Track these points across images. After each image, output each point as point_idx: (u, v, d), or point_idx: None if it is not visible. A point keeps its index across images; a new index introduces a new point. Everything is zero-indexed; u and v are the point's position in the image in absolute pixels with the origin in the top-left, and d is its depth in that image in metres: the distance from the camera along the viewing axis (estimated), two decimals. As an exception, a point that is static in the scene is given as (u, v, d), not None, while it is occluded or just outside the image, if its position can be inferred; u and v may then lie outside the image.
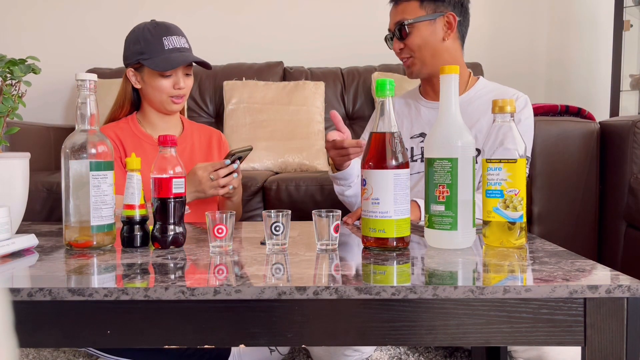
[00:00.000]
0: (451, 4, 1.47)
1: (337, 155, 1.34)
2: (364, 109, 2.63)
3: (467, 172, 0.98)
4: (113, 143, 1.49)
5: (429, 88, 1.55)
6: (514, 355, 1.40)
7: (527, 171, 1.14)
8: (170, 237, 1.02)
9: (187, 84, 1.54)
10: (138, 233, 1.03)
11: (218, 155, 1.67)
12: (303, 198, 1.91)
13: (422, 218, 1.37)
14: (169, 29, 1.53)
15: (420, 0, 1.46)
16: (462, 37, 1.52)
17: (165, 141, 1.03)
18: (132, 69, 1.54)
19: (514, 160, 0.98)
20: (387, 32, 1.53)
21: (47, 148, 2.44)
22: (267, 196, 1.95)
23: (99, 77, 1.21)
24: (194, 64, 1.55)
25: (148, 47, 1.50)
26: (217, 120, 2.64)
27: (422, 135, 1.55)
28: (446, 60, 1.47)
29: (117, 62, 2.69)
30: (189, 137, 1.63)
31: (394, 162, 0.95)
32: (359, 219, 1.33)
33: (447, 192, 0.97)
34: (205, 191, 1.43)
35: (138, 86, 1.55)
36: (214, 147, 1.67)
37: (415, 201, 1.35)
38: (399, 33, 1.47)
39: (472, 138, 1.00)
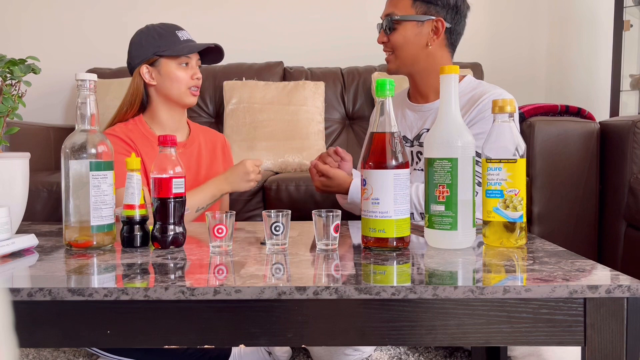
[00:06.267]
0: (444, 8, 1.42)
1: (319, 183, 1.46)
2: (364, 109, 2.63)
3: (467, 172, 0.97)
4: (126, 144, 1.48)
5: (414, 90, 1.54)
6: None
7: None
8: (170, 237, 1.02)
9: (200, 75, 1.56)
10: (138, 233, 1.03)
11: (222, 159, 1.68)
12: (303, 198, 1.90)
13: (350, 197, 1.43)
14: (177, 26, 1.56)
15: None
16: (452, 45, 1.48)
17: (165, 141, 1.03)
18: (147, 66, 1.52)
19: (514, 160, 0.98)
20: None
21: (47, 148, 2.44)
22: (267, 196, 1.95)
23: (99, 77, 1.21)
24: (201, 63, 1.58)
25: (164, 41, 1.51)
26: (217, 120, 2.64)
27: (404, 138, 1.54)
28: (429, 66, 1.45)
29: (117, 62, 2.71)
30: (196, 139, 1.63)
31: (394, 162, 0.95)
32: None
33: (447, 192, 0.97)
34: (252, 181, 1.52)
35: (153, 83, 1.53)
36: (219, 150, 1.68)
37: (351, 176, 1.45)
38: (385, 26, 1.45)
39: (472, 138, 1.00)
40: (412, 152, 1.52)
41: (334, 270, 0.85)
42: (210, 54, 1.59)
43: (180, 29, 1.55)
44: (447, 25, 1.44)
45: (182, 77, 1.52)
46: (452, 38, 1.47)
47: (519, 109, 1.95)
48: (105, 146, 1.04)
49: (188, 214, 1.41)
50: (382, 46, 1.51)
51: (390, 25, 1.44)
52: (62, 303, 0.76)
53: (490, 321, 0.75)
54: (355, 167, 1.69)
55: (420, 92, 1.52)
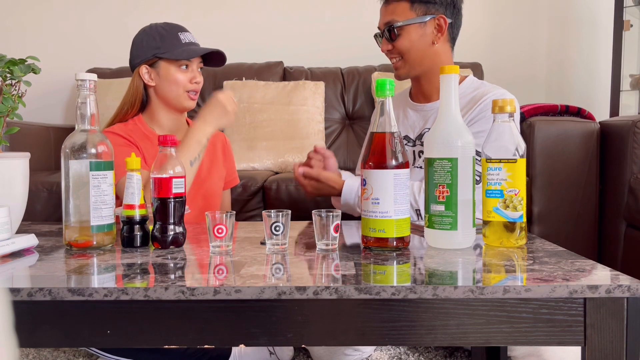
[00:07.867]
0: (443, 5, 1.44)
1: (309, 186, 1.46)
2: (364, 109, 2.63)
3: (467, 172, 0.98)
4: (125, 139, 1.46)
5: (417, 90, 1.55)
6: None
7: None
8: (170, 237, 1.02)
9: (200, 80, 1.54)
10: (138, 233, 1.03)
11: (223, 157, 1.67)
12: (303, 198, 1.90)
13: (343, 199, 1.42)
14: (181, 27, 1.54)
15: (410, 2, 1.43)
16: (453, 40, 1.50)
17: (165, 141, 1.03)
18: (146, 66, 1.51)
19: (514, 160, 0.98)
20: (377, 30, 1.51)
21: (47, 148, 2.44)
22: (267, 196, 1.95)
23: (99, 77, 1.21)
24: (203, 66, 1.56)
25: (165, 42, 1.49)
26: (217, 120, 2.63)
27: (407, 138, 1.54)
28: (435, 64, 1.46)
29: (117, 62, 2.71)
30: None
31: (394, 162, 0.95)
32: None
33: (447, 192, 0.97)
34: (230, 113, 1.47)
35: (152, 84, 1.51)
36: (219, 149, 1.67)
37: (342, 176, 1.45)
38: (388, 34, 1.46)
39: (472, 138, 1.00)
40: (414, 151, 1.52)
41: (334, 270, 0.85)
42: (212, 56, 1.58)
43: (183, 30, 1.53)
44: (448, 20, 1.45)
45: (180, 80, 1.50)
46: (454, 32, 1.49)
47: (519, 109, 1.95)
48: (105, 146, 1.04)
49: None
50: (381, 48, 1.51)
51: (393, 32, 1.44)
52: (62, 303, 0.76)
53: (490, 321, 0.75)
54: (355, 167, 1.70)
55: (423, 93, 1.53)
